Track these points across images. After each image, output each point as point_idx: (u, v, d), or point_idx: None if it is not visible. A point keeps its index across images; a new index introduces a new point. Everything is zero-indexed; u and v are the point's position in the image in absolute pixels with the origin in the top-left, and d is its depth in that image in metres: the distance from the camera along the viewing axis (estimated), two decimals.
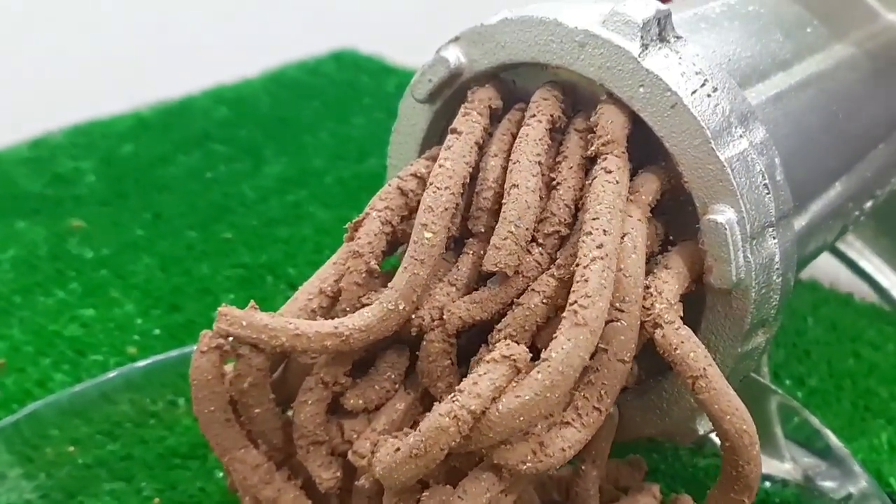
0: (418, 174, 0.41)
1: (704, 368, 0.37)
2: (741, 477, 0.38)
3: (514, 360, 0.35)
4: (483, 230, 0.40)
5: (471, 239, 0.41)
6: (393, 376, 0.40)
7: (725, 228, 0.38)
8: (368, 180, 0.77)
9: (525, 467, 0.36)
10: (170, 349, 0.56)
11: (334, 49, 1.01)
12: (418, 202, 0.40)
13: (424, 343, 0.39)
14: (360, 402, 0.40)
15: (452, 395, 0.35)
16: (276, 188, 0.77)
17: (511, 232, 0.38)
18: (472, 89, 0.42)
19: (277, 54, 0.98)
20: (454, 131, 0.41)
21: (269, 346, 0.38)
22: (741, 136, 0.39)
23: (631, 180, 0.39)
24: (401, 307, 0.38)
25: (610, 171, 0.38)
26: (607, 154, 0.38)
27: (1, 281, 0.65)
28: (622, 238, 0.37)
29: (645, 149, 0.40)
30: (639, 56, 0.38)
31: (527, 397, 0.34)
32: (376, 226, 0.40)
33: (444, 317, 0.38)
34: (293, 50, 0.99)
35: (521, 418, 0.35)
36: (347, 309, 0.40)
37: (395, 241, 0.41)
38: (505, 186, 0.39)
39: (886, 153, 0.50)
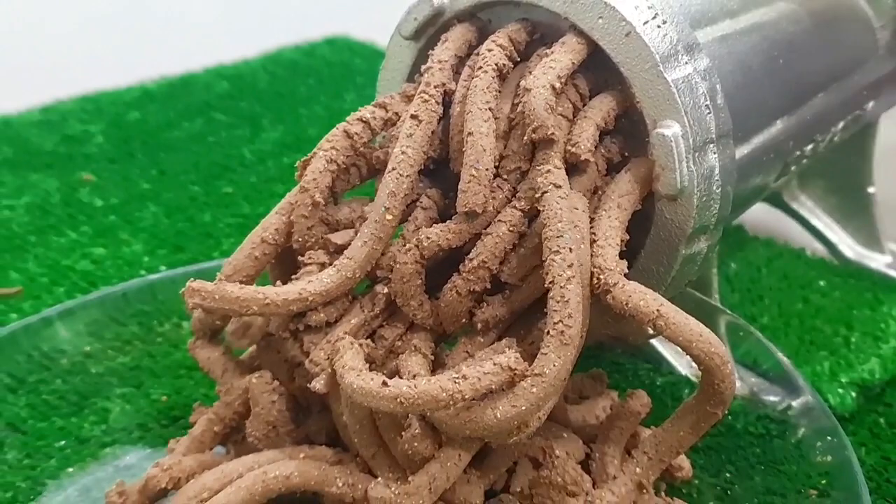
0: (363, 119, 0.46)
1: (657, 310, 0.41)
2: (716, 393, 0.43)
3: (515, 373, 0.40)
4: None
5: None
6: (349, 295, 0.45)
7: (671, 140, 0.43)
8: None
9: (512, 440, 0.41)
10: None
11: (328, 35, 1.06)
12: (363, 143, 0.46)
13: (397, 265, 0.44)
14: (322, 315, 0.44)
15: (456, 377, 0.39)
16: (274, 152, 0.82)
17: (473, 175, 0.43)
18: (430, 52, 0.47)
19: (274, 39, 1.04)
20: (415, 117, 0.45)
21: (240, 315, 0.44)
22: (686, 62, 0.44)
23: (584, 105, 0.45)
24: (357, 275, 0.44)
25: (559, 186, 0.42)
26: (549, 167, 0.42)
27: (16, 223, 0.70)
28: None
29: (603, 76, 0.45)
30: None
31: (523, 407, 0.39)
32: (321, 164, 0.45)
33: (421, 241, 0.43)
34: (289, 36, 1.05)
35: (515, 422, 0.40)
36: (299, 240, 0.45)
37: (341, 176, 0.46)
38: (463, 134, 0.44)
39: (825, 102, 0.56)
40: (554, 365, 0.40)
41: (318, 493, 0.45)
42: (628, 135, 0.46)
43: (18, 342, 0.54)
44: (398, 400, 0.39)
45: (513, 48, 0.46)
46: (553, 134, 0.43)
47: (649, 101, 0.44)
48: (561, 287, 0.40)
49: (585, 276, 0.42)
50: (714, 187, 0.45)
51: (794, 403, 0.53)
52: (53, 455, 0.50)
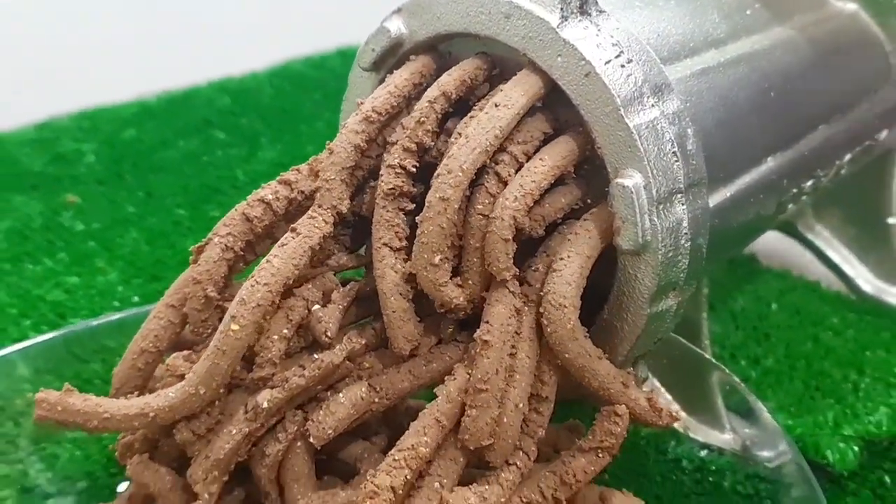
0: (265, 200, 0.42)
1: None
2: None
3: None
4: None
5: None
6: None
7: (632, 192, 0.39)
8: None
9: None
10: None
11: (342, 46, 1.03)
12: (263, 227, 0.42)
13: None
14: (187, 434, 0.41)
15: None
16: (268, 173, 0.79)
17: (387, 318, 0.41)
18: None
19: (285, 50, 1.01)
20: (294, 230, 0.41)
21: (84, 428, 0.41)
22: (653, 105, 0.40)
23: (546, 144, 0.41)
24: (201, 392, 0.40)
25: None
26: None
27: None
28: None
29: (565, 115, 0.42)
30: (557, 27, 0.40)
31: None
32: (216, 252, 0.41)
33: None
34: (301, 46, 1.02)
35: None
36: (194, 331, 0.42)
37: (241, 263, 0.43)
38: None
39: (827, 135, 0.51)
40: None
41: None
42: (590, 180, 0.42)
43: None
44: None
45: (423, 141, 0.43)
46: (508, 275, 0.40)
47: (610, 148, 0.40)
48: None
49: None
50: (682, 241, 0.41)
51: (787, 461, 0.49)
52: None
